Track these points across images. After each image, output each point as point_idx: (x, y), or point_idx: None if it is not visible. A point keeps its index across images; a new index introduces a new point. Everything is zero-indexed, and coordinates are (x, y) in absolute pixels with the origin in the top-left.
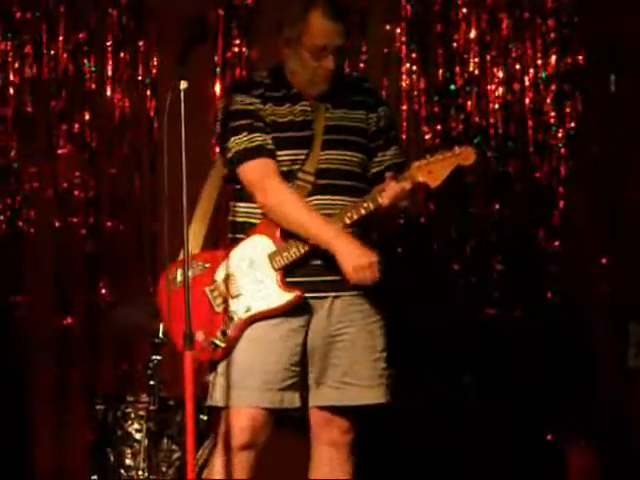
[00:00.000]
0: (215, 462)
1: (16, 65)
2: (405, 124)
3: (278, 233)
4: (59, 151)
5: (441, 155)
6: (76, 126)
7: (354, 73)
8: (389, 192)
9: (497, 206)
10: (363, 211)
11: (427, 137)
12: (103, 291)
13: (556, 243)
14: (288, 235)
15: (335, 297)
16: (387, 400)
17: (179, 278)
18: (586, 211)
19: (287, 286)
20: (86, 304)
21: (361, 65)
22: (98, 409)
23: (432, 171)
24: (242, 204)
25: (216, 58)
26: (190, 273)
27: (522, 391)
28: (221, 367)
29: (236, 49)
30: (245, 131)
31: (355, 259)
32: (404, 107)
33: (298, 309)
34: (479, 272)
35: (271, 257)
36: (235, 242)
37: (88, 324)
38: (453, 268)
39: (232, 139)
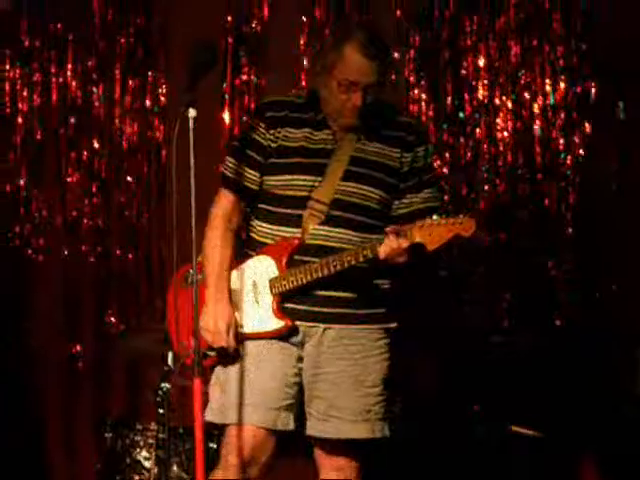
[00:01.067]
0: (215, 478)
1: (25, 93)
2: None
3: (284, 259)
4: (68, 179)
5: (444, 220)
6: (85, 154)
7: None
8: (386, 247)
9: (505, 233)
10: (361, 258)
11: (436, 164)
12: (112, 319)
13: (564, 269)
14: (292, 263)
15: (326, 328)
16: (377, 435)
17: (191, 278)
18: (595, 238)
19: (281, 313)
20: (95, 331)
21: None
22: (107, 437)
23: (432, 234)
24: (256, 222)
25: (225, 86)
26: (201, 276)
27: (531, 418)
28: (215, 383)
29: (245, 77)
30: (236, 155)
31: (206, 320)
32: None
33: (295, 336)
34: (487, 300)
35: (272, 282)
36: (245, 257)
37: (97, 351)
38: (461, 296)
39: (227, 156)
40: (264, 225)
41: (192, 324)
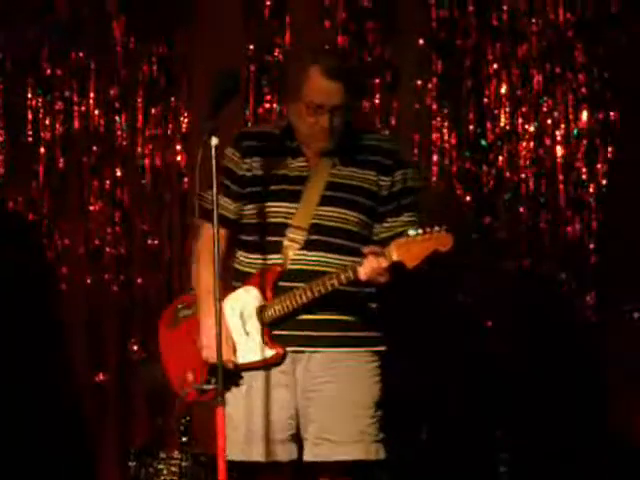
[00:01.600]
0: None
1: (47, 121)
2: (435, 179)
3: (269, 287)
4: (90, 207)
5: (420, 237)
6: (107, 182)
7: (381, 132)
8: (366, 267)
9: (529, 260)
10: (344, 280)
11: (458, 192)
12: (135, 347)
13: (588, 298)
14: (278, 290)
15: (313, 352)
16: (372, 457)
17: (181, 313)
18: (619, 265)
19: (272, 342)
20: (118, 360)
21: (392, 121)
22: (131, 465)
23: (410, 250)
24: (240, 252)
25: (247, 114)
26: (189, 312)
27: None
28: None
29: (267, 105)
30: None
31: (202, 338)
32: (435, 162)
33: (285, 363)
34: (510, 328)
35: (259, 310)
36: (230, 289)
37: (120, 380)
38: (485, 323)
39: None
40: (246, 255)
41: (188, 360)
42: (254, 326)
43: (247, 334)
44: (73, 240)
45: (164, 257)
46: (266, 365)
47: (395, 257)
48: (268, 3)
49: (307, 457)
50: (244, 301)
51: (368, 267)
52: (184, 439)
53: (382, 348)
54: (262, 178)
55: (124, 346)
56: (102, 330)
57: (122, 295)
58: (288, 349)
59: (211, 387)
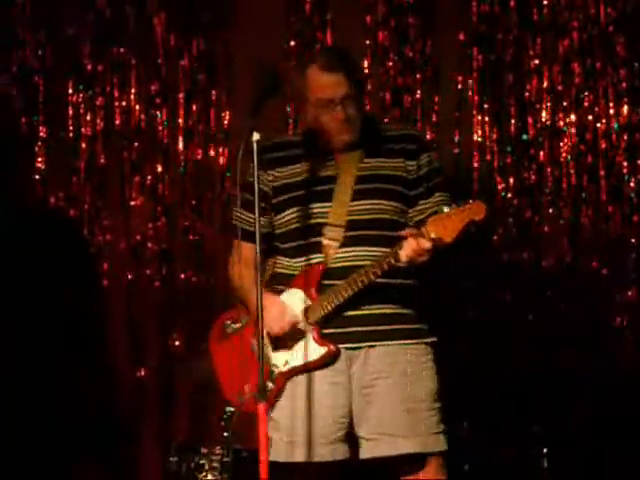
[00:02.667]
0: None
1: (88, 117)
2: (477, 175)
3: (313, 287)
4: (132, 203)
5: (454, 210)
6: (148, 178)
7: (398, 122)
8: (407, 249)
9: (570, 255)
10: (386, 266)
11: (500, 187)
12: (177, 342)
13: (629, 293)
14: (322, 289)
15: (370, 347)
16: (430, 449)
17: (229, 329)
18: None
19: (322, 340)
20: (160, 355)
21: (433, 116)
22: (172, 460)
23: (446, 226)
24: (280, 257)
25: (288, 110)
26: (238, 326)
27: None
28: (273, 423)
29: None
30: (239, 205)
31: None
32: (476, 158)
33: (340, 361)
34: (552, 323)
35: (306, 311)
36: (276, 293)
37: (162, 375)
38: (526, 318)
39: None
40: (288, 259)
41: (242, 372)
42: (303, 327)
43: (297, 336)
44: (114, 235)
45: (206, 253)
46: (321, 364)
47: (433, 235)
48: None
49: (364, 455)
50: (290, 304)
51: (408, 249)
52: (226, 434)
53: (434, 339)
54: (290, 185)
55: (165, 342)
56: (143, 326)
57: (164, 291)
58: (343, 346)
59: (266, 397)
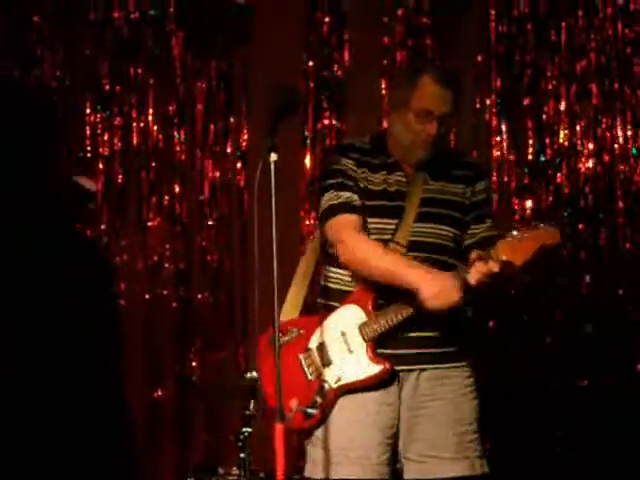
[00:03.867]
0: None
1: (106, 137)
2: (496, 196)
3: (370, 304)
4: (149, 223)
5: (526, 233)
6: (166, 198)
7: (455, 149)
8: (476, 273)
9: (587, 277)
10: None
11: (516, 209)
12: (194, 363)
13: None
14: (379, 306)
15: (422, 370)
16: (478, 472)
17: (280, 340)
18: None
19: (377, 358)
20: (177, 376)
21: (451, 136)
22: None
23: (517, 249)
24: (334, 269)
25: (306, 130)
26: (286, 338)
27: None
28: (316, 439)
29: (326, 121)
30: (333, 189)
31: (429, 288)
32: (494, 179)
33: (391, 381)
34: (570, 343)
35: (362, 328)
36: (328, 309)
37: (179, 396)
38: (544, 339)
39: (322, 197)
40: (342, 272)
41: (292, 385)
42: (358, 344)
43: (351, 352)
44: (132, 256)
45: (223, 273)
46: (374, 382)
47: (504, 257)
48: (327, 20)
49: (410, 475)
50: (345, 319)
51: (479, 272)
52: (242, 455)
53: (472, 361)
54: (370, 192)
55: (182, 362)
56: (160, 346)
57: (181, 311)
58: (396, 367)
59: (315, 412)
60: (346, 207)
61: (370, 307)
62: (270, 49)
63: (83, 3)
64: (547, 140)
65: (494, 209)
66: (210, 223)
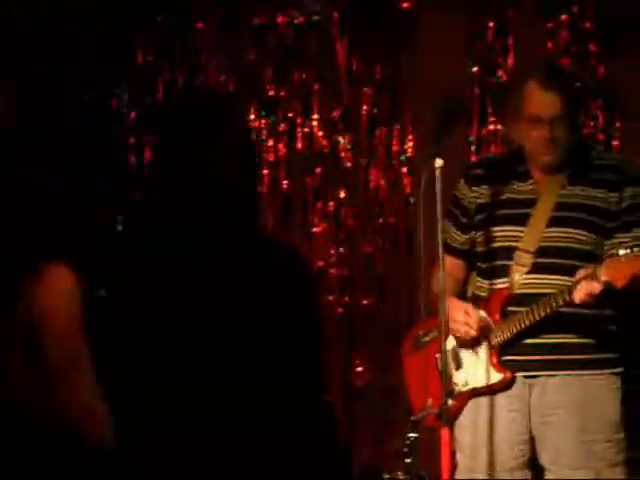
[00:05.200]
0: None
1: (270, 143)
2: None
3: (497, 311)
4: (314, 229)
5: (632, 254)
6: (331, 204)
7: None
8: (579, 292)
9: None
10: (561, 302)
11: None
12: (359, 369)
13: None
14: (506, 314)
15: (548, 376)
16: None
17: (421, 340)
18: None
19: (500, 366)
20: (343, 381)
21: (615, 142)
22: None
23: (619, 270)
24: (476, 278)
25: (471, 136)
26: (427, 338)
27: None
28: (455, 442)
29: (491, 126)
30: (446, 216)
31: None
32: None
33: (520, 389)
34: None
35: (489, 334)
36: None
37: (345, 401)
38: None
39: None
40: (480, 280)
41: (429, 384)
42: (484, 350)
43: (478, 358)
44: None
45: (389, 279)
46: (496, 390)
47: (604, 277)
48: (491, 25)
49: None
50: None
51: (581, 292)
52: (408, 460)
53: (620, 370)
54: (490, 204)
55: (349, 368)
56: (326, 352)
57: (347, 317)
58: (523, 374)
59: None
60: (448, 249)
61: (497, 314)
62: (434, 54)
63: (247, 9)
64: None
65: None
66: (376, 229)
